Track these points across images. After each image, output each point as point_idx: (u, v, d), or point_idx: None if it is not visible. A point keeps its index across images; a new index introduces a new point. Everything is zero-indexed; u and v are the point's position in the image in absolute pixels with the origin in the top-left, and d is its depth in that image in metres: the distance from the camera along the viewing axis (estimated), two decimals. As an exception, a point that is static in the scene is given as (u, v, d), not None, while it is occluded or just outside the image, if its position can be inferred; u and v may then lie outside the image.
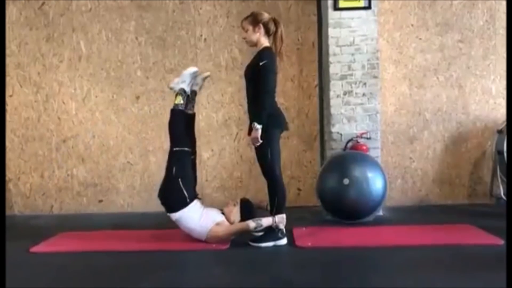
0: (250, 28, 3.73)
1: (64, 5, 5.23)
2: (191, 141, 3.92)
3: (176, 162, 3.76)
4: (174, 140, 3.83)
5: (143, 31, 5.25)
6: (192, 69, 3.99)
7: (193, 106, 3.98)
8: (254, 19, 3.73)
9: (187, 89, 3.91)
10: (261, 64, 3.60)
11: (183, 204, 3.68)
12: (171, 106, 3.90)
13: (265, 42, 3.73)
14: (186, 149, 3.82)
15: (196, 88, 4.01)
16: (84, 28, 5.25)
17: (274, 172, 3.67)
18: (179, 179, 3.71)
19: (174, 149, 3.80)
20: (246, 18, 3.78)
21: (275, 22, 3.75)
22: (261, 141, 3.59)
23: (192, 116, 4.00)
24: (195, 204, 3.76)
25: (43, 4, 5.24)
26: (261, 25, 3.70)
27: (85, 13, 5.24)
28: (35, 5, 5.24)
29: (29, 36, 5.26)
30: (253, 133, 3.60)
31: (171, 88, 3.98)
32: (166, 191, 3.75)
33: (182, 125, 3.87)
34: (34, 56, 5.28)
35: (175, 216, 3.70)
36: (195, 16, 5.24)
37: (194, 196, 3.79)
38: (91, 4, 5.24)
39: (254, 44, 3.78)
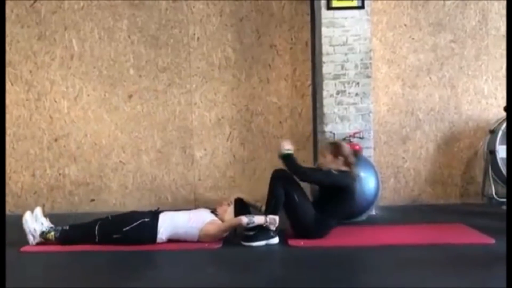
0: (330, 157, 3.83)
1: (56, 3, 5.19)
2: (89, 226, 3.76)
3: (111, 237, 3.63)
4: (100, 239, 3.67)
5: (136, 30, 5.23)
6: (24, 218, 3.70)
7: (61, 227, 3.79)
8: (336, 151, 3.82)
9: (40, 228, 3.71)
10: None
11: (152, 227, 3.62)
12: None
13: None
14: (99, 223, 3.72)
15: (42, 221, 3.78)
16: (76, 26, 5.22)
17: (276, 188, 3.69)
18: (128, 232, 3.61)
19: (99, 240, 3.65)
20: (329, 144, 3.93)
21: (355, 154, 3.91)
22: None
23: (71, 227, 3.81)
24: (164, 215, 3.71)
25: (35, 1, 5.20)
26: (340, 157, 3.80)
27: (77, 11, 5.21)
28: (26, 3, 5.20)
29: (21, 34, 5.22)
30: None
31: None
32: (137, 240, 3.62)
33: (78, 236, 3.72)
34: (26, 54, 5.24)
35: (162, 239, 3.64)
36: (188, 15, 5.22)
37: (154, 214, 3.73)
38: (84, 2, 5.20)
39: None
